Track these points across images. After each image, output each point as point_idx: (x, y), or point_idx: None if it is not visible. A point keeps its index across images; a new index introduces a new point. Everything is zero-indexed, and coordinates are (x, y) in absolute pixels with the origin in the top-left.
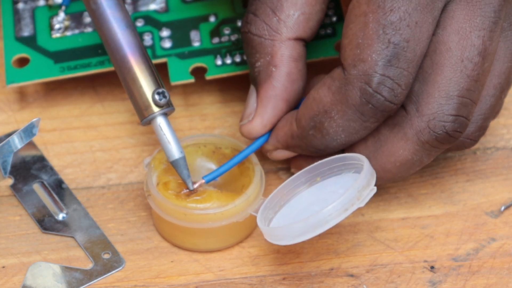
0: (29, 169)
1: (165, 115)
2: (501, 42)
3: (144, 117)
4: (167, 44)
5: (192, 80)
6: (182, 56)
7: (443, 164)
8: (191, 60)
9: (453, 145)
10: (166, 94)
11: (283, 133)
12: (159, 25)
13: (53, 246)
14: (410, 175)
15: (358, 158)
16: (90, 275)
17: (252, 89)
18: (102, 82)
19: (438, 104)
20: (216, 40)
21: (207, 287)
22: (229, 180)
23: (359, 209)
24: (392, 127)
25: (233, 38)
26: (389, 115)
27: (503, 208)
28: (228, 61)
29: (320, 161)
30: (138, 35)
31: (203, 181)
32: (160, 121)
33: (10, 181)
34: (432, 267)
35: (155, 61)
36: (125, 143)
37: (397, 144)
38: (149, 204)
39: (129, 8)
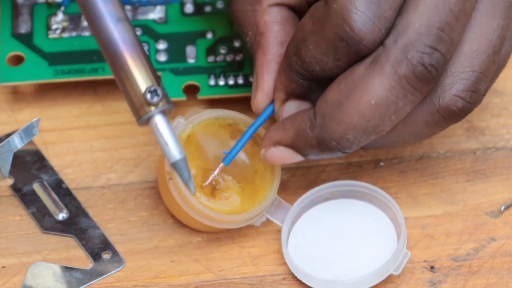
0: (29, 169)
1: (163, 113)
2: None
3: (139, 117)
4: (163, 57)
5: (184, 98)
6: (176, 72)
7: (443, 164)
8: (185, 77)
9: (445, 109)
10: (159, 92)
11: (277, 78)
12: (156, 36)
13: (53, 246)
14: (383, 130)
15: (384, 195)
16: (90, 275)
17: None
18: (102, 82)
19: (418, 33)
20: (211, 58)
21: (207, 287)
22: (242, 163)
23: None
24: (368, 64)
25: (228, 58)
26: (361, 56)
27: (503, 208)
28: (221, 82)
29: (342, 181)
30: (133, 29)
31: (222, 164)
32: (158, 121)
33: (10, 181)
34: (432, 267)
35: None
36: (125, 143)
37: (373, 80)
38: (169, 186)
39: (128, 15)
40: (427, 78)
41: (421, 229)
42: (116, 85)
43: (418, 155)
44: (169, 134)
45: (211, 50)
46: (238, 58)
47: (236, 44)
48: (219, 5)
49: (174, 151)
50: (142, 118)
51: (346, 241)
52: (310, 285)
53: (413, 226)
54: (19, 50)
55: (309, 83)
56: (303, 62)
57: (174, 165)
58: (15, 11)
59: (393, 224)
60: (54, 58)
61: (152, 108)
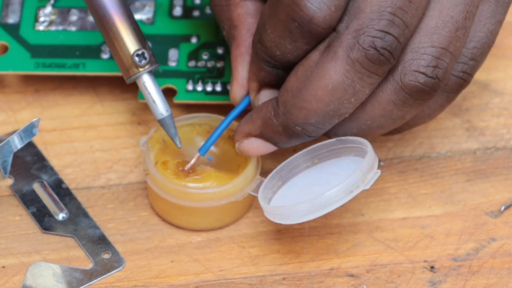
0: (29, 169)
1: (150, 73)
2: None
3: (128, 77)
4: None
5: None
6: (155, 75)
7: (443, 164)
8: (163, 80)
9: (408, 86)
10: (146, 54)
11: (250, 67)
12: None
13: (53, 246)
14: (342, 112)
15: (359, 141)
16: (90, 275)
17: None
18: (101, 82)
19: (369, 19)
20: (192, 63)
21: (207, 287)
22: (224, 160)
23: (359, 208)
24: (323, 50)
25: (209, 64)
26: (319, 38)
27: (503, 208)
28: (199, 88)
29: (318, 143)
30: None
31: (199, 154)
32: (145, 80)
33: (10, 181)
34: (432, 267)
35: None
36: (125, 143)
37: (327, 65)
38: (147, 183)
39: None
40: (381, 60)
41: (421, 229)
42: (116, 85)
43: (418, 155)
44: (156, 92)
45: (194, 55)
46: (219, 65)
47: (220, 51)
48: (208, 10)
49: (161, 108)
50: (131, 78)
51: (322, 186)
52: (287, 221)
53: (413, 226)
54: (5, 39)
55: (276, 71)
56: (265, 48)
57: (161, 121)
58: (6, 0)
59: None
60: (37, 51)
61: (140, 69)
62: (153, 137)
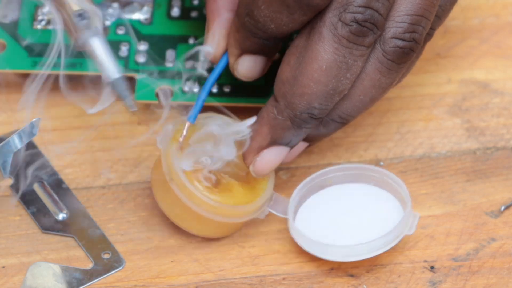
0: (29, 169)
1: (98, 35)
2: None
3: (74, 41)
4: (141, 59)
5: (156, 101)
6: (152, 75)
7: (443, 164)
8: (160, 81)
9: (389, 52)
10: (86, 15)
11: (231, 34)
12: (138, 37)
13: (53, 246)
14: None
15: (379, 171)
16: (90, 275)
17: None
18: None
19: None
20: (189, 64)
21: (207, 287)
22: (234, 165)
23: None
24: (308, 34)
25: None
26: (315, 9)
27: (503, 208)
28: (196, 89)
29: (336, 166)
30: None
31: (189, 123)
32: (91, 43)
33: (10, 181)
34: (432, 267)
35: (125, 74)
36: (125, 143)
37: (316, 47)
38: (172, 188)
39: (114, 13)
40: (364, 32)
41: (421, 229)
42: None
43: (418, 155)
44: (105, 55)
45: (191, 55)
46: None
47: None
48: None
49: (112, 70)
50: (78, 44)
51: (351, 219)
52: (326, 256)
53: None
54: (3, 38)
55: (263, 41)
56: (256, 22)
57: (113, 83)
58: None
59: (393, 195)
60: (34, 49)
61: (85, 32)
62: (174, 137)
